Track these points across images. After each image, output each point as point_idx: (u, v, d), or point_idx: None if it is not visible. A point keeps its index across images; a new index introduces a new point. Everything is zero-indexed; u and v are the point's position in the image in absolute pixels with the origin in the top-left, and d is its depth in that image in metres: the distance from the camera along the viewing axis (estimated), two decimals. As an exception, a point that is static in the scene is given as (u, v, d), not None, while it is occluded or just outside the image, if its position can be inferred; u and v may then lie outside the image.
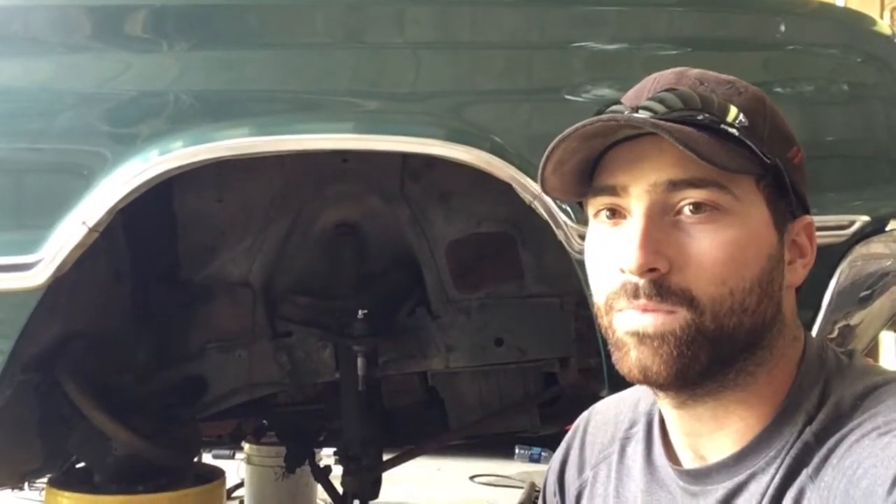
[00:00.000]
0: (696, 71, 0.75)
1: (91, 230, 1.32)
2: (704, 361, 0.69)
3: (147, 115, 1.34)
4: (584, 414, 0.94)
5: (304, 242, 1.83)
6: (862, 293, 1.43)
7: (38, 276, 1.33)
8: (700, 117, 0.69)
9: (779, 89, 1.43)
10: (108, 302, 1.72)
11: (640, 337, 0.70)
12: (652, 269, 0.68)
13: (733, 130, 0.69)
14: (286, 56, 1.39)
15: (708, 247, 0.69)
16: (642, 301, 0.69)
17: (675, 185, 0.69)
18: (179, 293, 1.83)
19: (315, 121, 1.36)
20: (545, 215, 1.35)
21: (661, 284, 0.69)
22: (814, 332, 1.37)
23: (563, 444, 0.94)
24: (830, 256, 1.38)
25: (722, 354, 0.70)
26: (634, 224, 0.70)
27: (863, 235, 1.40)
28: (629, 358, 0.71)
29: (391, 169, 1.75)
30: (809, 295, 1.36)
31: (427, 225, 1.79)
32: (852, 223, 1.40)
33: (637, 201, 0.71)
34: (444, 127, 1.35)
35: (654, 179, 0.70)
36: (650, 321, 0.69)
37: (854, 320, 1.45)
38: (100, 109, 1.35)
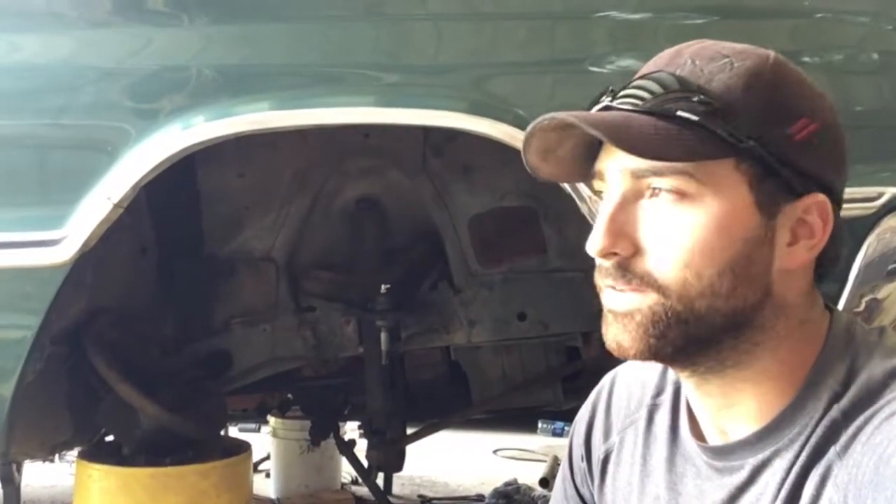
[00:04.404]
0: (694, 47, 0.74)
1: (116, 206, 1.33)
2: (677, 341, 0.70)
3: (169, 90, 1.34)
4: (609, 376, 0.94)
5: (327, 217, 1.84)
6: (890, 266, 1.41)
7: (64, 252, 1.34)
8: (695, 98, 0.69)
9: (807, 58, 1.40)
10: (133, 277, 1.74)
11: (614, 314, 0.73)
12: (615, 253, 0.71)
13: (692, 116, 0.68)
14: (307, 29, 1.39)
15: (670, 232, 0.69)
16: (610, 281, 0.72)
17: (639, 174, 0.71)
18: (203, 268, 1.84)
19: (336, 94, 1.36)
20: (568, 189, 1.34)
21: (625, 267, 0.71)
22: (840, 306, 1.35)
23: (587, 407, 0.94)
24: (858, 229, 1.36)
25: (698, 335, 0.70)
26: (602, 208, 0.73)
27: (891, 207, 1.38)
28: (608, 332, 0.74)
29: (413, 143, 1.75)
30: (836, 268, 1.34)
31: (449, 199, 1.79)
32: (881, 195, 1.37)
33: (609, 185, 0.73)
34: (465, 100, 1.34)
35: (622, 166, 0.72)
36: (620, 299, 0.72)
37: (881, 294, 1.43)
38: (122, 85, 1.35)
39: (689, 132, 0.69)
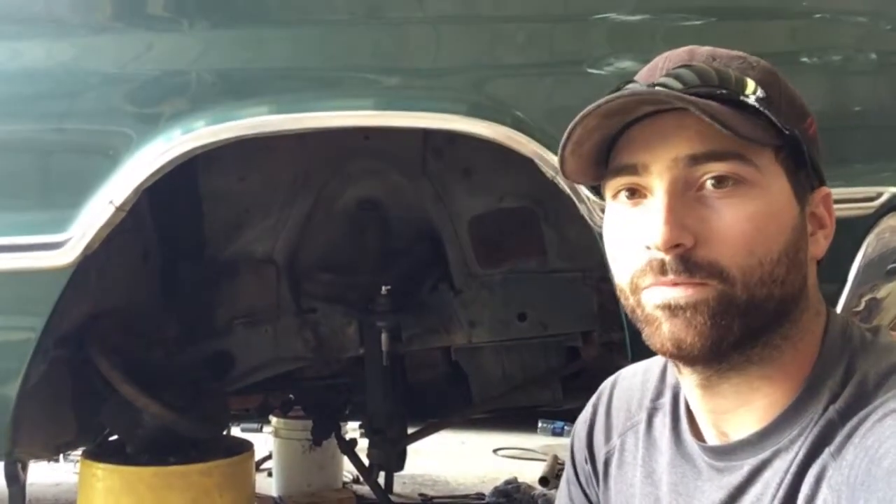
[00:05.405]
0: (706, 48, 0.75)
1: (118, 209, 1.35)
2: (737, 332, 0.69)
3: (169, 95, 1.35)
4: (610, 379, 0.94)
5: (328, 219, 1.85)
6: (889, 266, 1.41)
7: (67, 255, 1.35)
8: (718, 92, 0.69)
9: (805, 59, 1.40)
10: (136, 279, 1.75)
11: (673, 309, 0.69)
12: (678, 245, 0.68)
13: (752, 102, 0.69)
14: (307, 33, 1.39)
15: (733, 219, 0.68)
16: (670, 276, 0.69)
17: (696, 160, 0.69)
18: (205, 270, 1.85)
19: (336, 98, 1.37)
20: (567, 190, 1.34)
21: (687, 259, 0.68)
22: (840, 306, 1.35)
23: (587, 411, 0.94)
24: (857, 228, 1.36)
25: (754, 325, 0.69)
26: (658, 200, 0.70)
27: (891, 207, 1.38)
28: (661, 331, 0.70)
29: (413, 145, 1.75)
30: (836, 268, 1.35)
31: (449, 201, 1.79)
32: (880, 195, 1.37)
33: (659, 178, 0.70)
34: (465, 102, 1.35)
35: (674, 155, 0.69)
36: (681, 293, 0.69)
37: (881, 293, 1.43)
38: (123, 90, 1.36)
39: (750, 117, 0.68)
